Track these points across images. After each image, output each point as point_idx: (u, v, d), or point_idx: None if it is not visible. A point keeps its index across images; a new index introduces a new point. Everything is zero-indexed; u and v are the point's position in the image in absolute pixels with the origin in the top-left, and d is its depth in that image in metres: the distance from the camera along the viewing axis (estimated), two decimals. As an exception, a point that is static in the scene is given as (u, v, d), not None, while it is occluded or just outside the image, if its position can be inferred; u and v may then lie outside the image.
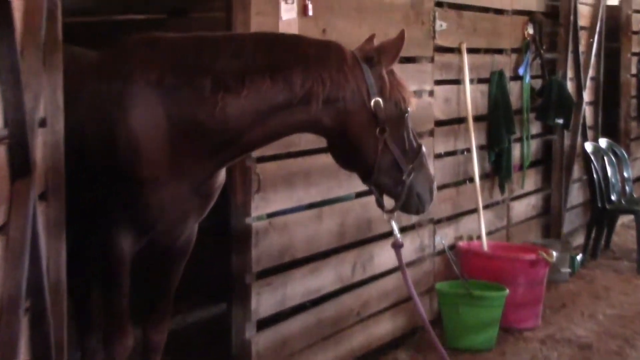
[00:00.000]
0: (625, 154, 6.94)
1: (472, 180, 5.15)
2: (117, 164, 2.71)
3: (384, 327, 4.37)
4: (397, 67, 2.87)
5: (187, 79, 2.66)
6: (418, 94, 4.60)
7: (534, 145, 6.03)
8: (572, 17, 6.08)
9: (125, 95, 2.70)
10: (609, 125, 7.21)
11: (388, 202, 2.92)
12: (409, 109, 2.82)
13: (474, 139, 5.08)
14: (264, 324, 3.59)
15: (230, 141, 2.74)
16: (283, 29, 3.41)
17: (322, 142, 2.96)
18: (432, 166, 4.69)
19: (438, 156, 4.85)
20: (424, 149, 2.88)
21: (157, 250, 3.01)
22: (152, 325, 3.07)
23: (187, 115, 2.67)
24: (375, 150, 2.77)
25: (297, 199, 3.73)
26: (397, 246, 2.99)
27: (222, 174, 2.97)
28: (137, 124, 2.68)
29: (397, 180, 2.83)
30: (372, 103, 2.73)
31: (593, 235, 6.45)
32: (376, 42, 2.91)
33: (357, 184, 3.09)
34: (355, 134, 2.77)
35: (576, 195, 6.60)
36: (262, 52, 2.71)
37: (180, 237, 2.99)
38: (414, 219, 4.41)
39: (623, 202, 6.49)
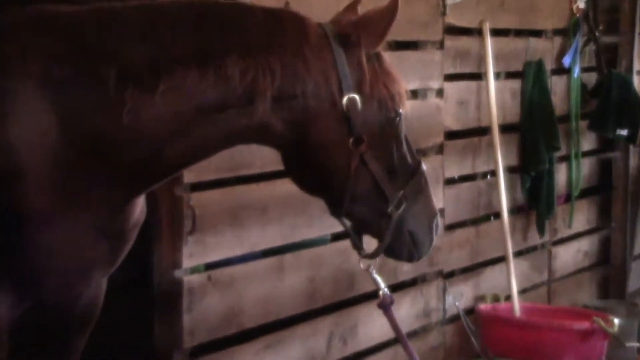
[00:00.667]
0: None
1: (498, 216, 5.27)
2: None
3: None
4: (392, 56, 2.94)
5: (83, 71, 2.65)
6: (422, 93, 4.77)
7: (586, 166, 6.19)
8: (640, -14, 6.23)
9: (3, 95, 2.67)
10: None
11: (371, 243, 2.94)
12: (400, 110, 2.82)
13: (501, 157, 5.20)
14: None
15: (145, 159, 2.67)
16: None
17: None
18: (439, 194, 4.85)
19: (450, 182, 4.97)
20: (423, 167, 2.88)
21: (48, 317, 2.96)
22: None
23: (85, 122, 2.66)
24: (347, 169, 2.76)
25: (249, 242, 3.82)
26: (385, 305, 3.01)
27: (139, 207, 2.94)
28: (15, 135, 2.62)
29: (379, 212, 2.83)
30: (344, 101, 2.73)
31: (672, 294, 6.57)
32: (362, 11, 2.88)
33: (334, 221, 3.08)
34: (318, 146, 2.77)
35: (647, 238, 6.74)
36: (187, 30, 2.69)
37: (80, 297, 2.95)
38: (414, 270, 4.52)
39: None
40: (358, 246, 2.94)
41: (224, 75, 2.66)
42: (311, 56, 2.74)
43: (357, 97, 2.74)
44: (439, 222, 2.95)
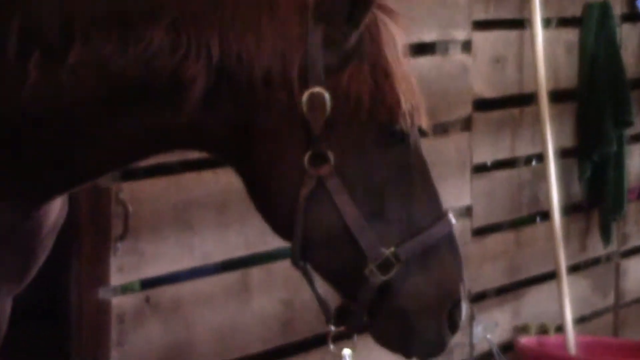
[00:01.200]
0: None
1: (546, 216, 5.31)
2: None
3: None
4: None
5: None
6: (442, 47, 4.80)
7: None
8: None
9: None
10: None
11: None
12: (403, 129, 2.68)
13: (552, 136, 5.22)
14: None
15: (50, 155, 2.75)
16: None
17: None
18: (465, 186, 4.90)
19: (480, 169, 5.03)
20: (448, 224, 2.72)
21: None
22: None
23: None
24: (294, 197, 2.70)
25: (201, 251, 3.85)
26: None
27: (58, 204, 3.03)
28: None
29: (353, 270, 2.71)
30: (304, 98, 2.71)
31: None
32: None
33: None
34: (263, 159, 2.74)
35: None
36: None
37: None
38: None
39: None
40: (326, 315, 2.80)
41: (148, 48, 2.66)
42: (270, 30, 2.70)
43: (325, 94, 2.68)
44: (463, 309, 2.72)
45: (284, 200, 2.72)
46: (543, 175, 5.26)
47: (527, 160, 5.34)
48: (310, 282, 2.78)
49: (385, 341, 2.76)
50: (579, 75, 5.58)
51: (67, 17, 2.66)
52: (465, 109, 4.90)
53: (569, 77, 5.55)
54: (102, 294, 3.59)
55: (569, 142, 5.57)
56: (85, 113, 2.71)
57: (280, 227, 2.76)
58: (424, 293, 2.70)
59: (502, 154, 5.21)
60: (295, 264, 2.76)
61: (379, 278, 2.64)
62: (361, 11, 2.69)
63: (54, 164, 2.78)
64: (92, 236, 3.58)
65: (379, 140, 2.67)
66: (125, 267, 3.62)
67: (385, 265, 2.65)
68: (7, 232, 2.84)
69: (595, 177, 5.61)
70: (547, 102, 5.21)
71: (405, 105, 2.67)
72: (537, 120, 5.23)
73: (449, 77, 4.76)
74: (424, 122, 2.72)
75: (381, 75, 2.69)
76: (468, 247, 4.89)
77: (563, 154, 5.45)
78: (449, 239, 2.73)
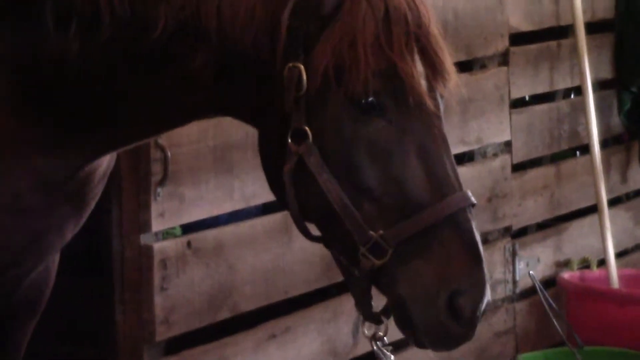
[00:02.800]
0: None
1: (586, 150, 5.30)
2: None
3: None
4: None
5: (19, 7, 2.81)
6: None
7: None
8: None
9: None
10: None
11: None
12: (377, 104, 2.60)
13: (590, 68, 5.20)
14: None
15: (97, 114, 2.87)
16: None
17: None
18: (504, 121, 4.88)
19: (518, 103, 5.02)
20: (453, 204, 2.59)
21: None
22: None
23: (22, 54, 2.82)
24: (279, 173, 2.69)
25: (242, 195, 3.86)
26: None
27: (107, 157, 3.09)
28: None
29: (349, 250, 2.65)
30: (285, 72, 2.66)
31: None
32: None
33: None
34: (259, 132, 2.78)
35: None
36: None
37: (27, 276, 3.10)
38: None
39: None
40: (359, 303, 2.71)
41: (158, 27, 2.72)
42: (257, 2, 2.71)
43: (301, 67, 2.63)
44: (481, 298, 2.56)
45: (272, 175, 2.73)
46: (582, 109, 5.25)
47: (566, 93, 5.34)
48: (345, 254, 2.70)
49: (397, 326, 2.67)
50: (616, 5, 5.57)
51: None
52: (503, 43, 4.88)
53: (605, 7, 5.53)
54: (144, 240, 3.61)
55: (607, 74, 5.56)
56: (120, 76, 2.78)
57: (278, 198, 2.76)
58: (419, 279, 2.60)
59: (541, 88, 5.21)
60: (302, 232, 2.76)
61: (371, 262, 2.58)
62: None
63: (101, 124, 2.85)
64: (132, 182, 3.59)
65: (355, 115, 2.62)
66: (166, 213, 3.64)
67: (377, 249, 2.57)
68: (62, 182, 2.91)
69: (634, 108, 5.61)
70: (585, 34, 5.17)
71: (375, 78, 2.60)
72: (575, 53, 5.22)
73: (485, 11, 4.74)
74: (421, 90, 2.62)
75: (345, 45, 2.62)
76: (508, 182, 4.91)
77: (601, 86, 5.48)
78: (455, 220, 2.60)
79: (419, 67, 2.62)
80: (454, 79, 2.64)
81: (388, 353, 2.70)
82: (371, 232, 2.56)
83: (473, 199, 2.61)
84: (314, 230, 2.70)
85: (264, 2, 2.71)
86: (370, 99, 2.57)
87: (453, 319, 2.55)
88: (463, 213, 2.59)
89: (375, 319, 2.66)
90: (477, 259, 2.56)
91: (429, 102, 2.60)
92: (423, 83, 2.62)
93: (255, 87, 2.72)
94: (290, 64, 2.61)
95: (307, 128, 2.60)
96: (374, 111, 2.59)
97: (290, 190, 2.65)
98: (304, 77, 2.60)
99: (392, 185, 2.61)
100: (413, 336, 2.62)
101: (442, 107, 2.67)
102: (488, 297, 2.54)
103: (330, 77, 2.59)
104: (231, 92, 2.76)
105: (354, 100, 2.58)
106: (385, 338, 2.66)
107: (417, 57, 2.63)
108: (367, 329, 2.68)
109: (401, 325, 2.62)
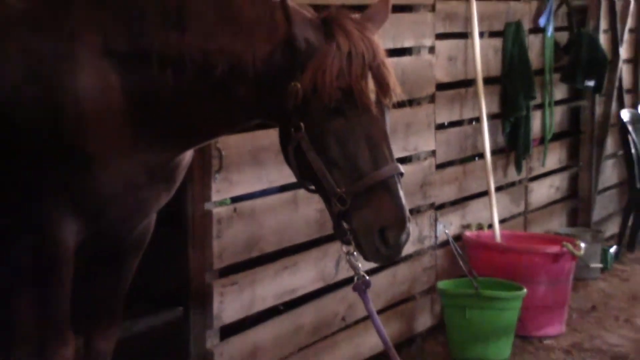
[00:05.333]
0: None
1: (481, 156, 5.27)
2: (58, 138, 2.73)
3: (375, 335, 4.47)
4: (390, 17, 2.82)
5: (135, 48, 2.75)
6: (416, 50, 4.71)
7: (558, 113, 6.16)
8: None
9: (70, 58, 2.72)
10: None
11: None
12: (345, 107, 2.58)
13: (485, 106, 5.19)
14: (229, 331, 3.68)
15: (181, 122, 2.82)
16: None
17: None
18: (431, 138, 4.80)
19: (440, 127, 4.95)
20: (383, 173, 2.57)
21: (107, 243, 3.03)
22: (98, 331, 3.09)
23: (139, 85, 2.76)
24: (285, 151, 2.70)
25: (267, 179, 3.81)
26: (359, 289, 2.76)
27: (188, 154, 3.03)
28: (84, 91, 2.73)
29: (328, 201, 2.65)
30: (289, 88, 2.63)
31: (630, 222, 6.57)
32: None
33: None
34: (279, 130, 2.74)
35: (610, 174, 6.75)
36: (207, 11, 2.75)
37: (136, 228, 3.03)
38: (410, 203, 4.51)
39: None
40: (337, 233, 2.69)
41: (217, 49, 2.69)
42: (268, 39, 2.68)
43: (298, 85, 2.60)
44: (402, 230, 2.56)
45: (285, 154, 2.71)
46: (480, 131, 5.23)
47: (470, 121, 5.29)
48: (326, 202, 2.69)
49: (359, 251, 2.67)
50: (502, 68, 5.50)
51: (186, 44, 2.71)
52: (431, 89, 4.83)
53: (495, 69, 5.48)
54: (206, 206, 3.57)
55: (495, 109, 5.50)
56: (196, 101, 2.76)
57: (290, 167, 2.74)
58: (363, 219, 2.59)
59: (454, 117, 5.15)
60: (303, 187, 2.79)
61: (338, 207, 2.59)
62: (326, 20, 2.64)
63: (182, 131, 2.82)
64: (200, 170, 3.54)
65: (330, 113, 2.60)
66: (220, 190, 3.60)
67: (342, 199, 2.58)
68: (160, 168, 2.88)
69: (512, 131, 5.56)
70: (482, 84, 5.16)
71: (353, 92, 2.58)
72: (476, 96, 5.19)
73: (421, 69, 4.70)
74: (375, 100, 2.60)
75: (320, 73, 2.59)
76: (433, 176, 4.85)
77: (492, 117, 5.41)
78: (387, 183, 2.59)
79: (372, 86, 2.60)
80: (397, 93, 2.63)
81: (356, 262, 2.71)
82: (337, 189, 2.58)
83: (401, 169, 2.60)
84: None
85: (282, 51, 2.69)
86: (334, 105, 2.57)
87: (383, 244, 2.57)
88: (392, 178, 2.58)
89: (343, 239, 2.65)
90: (400, 208, 2.56)
91: (373, 109, 2.59)
92: (372, 97, 2.60)
93: (273, 99, 2.67)
94: (292, 83, 2.60)
95: (301, 123, 2.60)
96: (337, 113, 2.59)
97: (293, 162, 2.67)
98: (300, 91, 2.59)
99: (348, 160, 2.61)
100: (362, 253, 2.64)
101: (387, 112, 2.66)
102: (408, 232, 2.56)
103: (329, 95, 2.57)
104: (261, 105, 2.73)
105: (325, 106, 2.58)
106: (355, 254, 2.66)
107: (371, 80, 2.61)
108: (345, 249, 2.68)
109: (355, 246, 2.64)
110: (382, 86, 2.63)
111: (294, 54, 2.65)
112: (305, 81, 2.60)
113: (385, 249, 2.59)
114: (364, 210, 2.59)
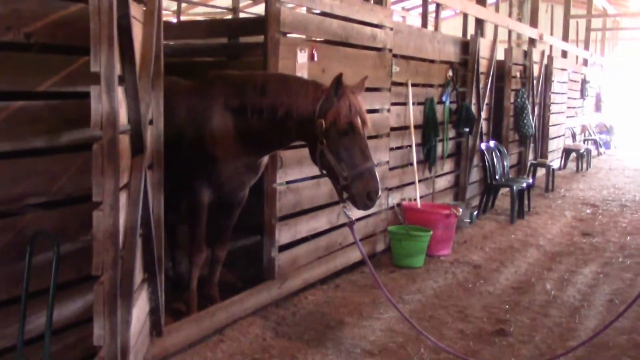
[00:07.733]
0: (505, 151, 6.94)
1: (412, 164, 5.14)
2: (202, 149, 2.81)
3: (356, 252, 4.41)
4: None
5: (242, 105, 2.72)
6: (381, 111, 4.59)
7: (450, 144, 5.99)
8: (475, 66, 6.06)
9: (210, 109, 2.79)
10: (496, 133, 7.24)
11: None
12: (347, 132, 2.53)
13: (414, 139, 5.06)
14: (283, 248, 3.62)
15: (266, 143, 2.80)
16: (298, 68, 3.40)
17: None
18: (387, 155, 4.66)
19: (392, 149, 4.82)
20: (367, 165, 2.54)
21: (224, 203, 3.07)
22: (218, 246, 3.15)
23: (243, 125, 2.75)
24: (314, 154, 2.64)
25: (304, 172, 3.71)
26: (350, 226, 2.76)
27: (266, 158, 3.06)
28: (216, 126, 2.77)
29: (339, 180, 2.60)
30: (317, 122, 2.59)
31: (484, 200, 6.47)
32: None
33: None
34: (309, 146, 2.69)
35: (475, 175, 6.58)
36: (276, 86, 2.70)
37: (239, 195, 3.06)
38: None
39: (503, 180, 6.51)
40: (340, 197, 2.67)
41: (281, 106, 2.64)
42: (309, 98, 2.61)
43: (322, 121, 2.55)
44: (377, 193, 2.54)
45: (313, 157, 2.66)
46: (411, 151, 5.08)
47: (406, 147, 5.10)
48: (334, 182, 2.64)
49: (354, 205, 2.62)
50: (423, 120, 5.34)
51: (269, 104, 2.70)
52: (388, 130, 4.68)
53: (420, 120, 5.31)
54: (274, 185, 3.46)
55: (419, 141, 5.31)
56: (269, 130, 2.73)
57: (315, 164, 2.69)
58: (357, 188, 2.55)
59: (399, 144, 4.99)
60: (321, 173, 2.70)
61: (343, 183, 2.55)
62: (338, 90, 2.58)
63: (263, 146, 2.81)
64: (271, 166, 3.43)
65: (341, 134, 2.54)
66: (281, 177, 3.49)
67: (345, 178, 2.53)
68: (251, 165, 2.88)
69: (427, 153, 5.41)
70: (413, 128, 5.03)
71: (351, 124, 2.53)
72: (410, 134, 5.04)
73: (383, 120, 4.58)
74: (362, 128, 2.55)
75: (347, 114, 2.54)
76: (388, 173, 4.71)
77: (417, 144, 5.27)
78: (370, 170, 2.54)
79: (360, 122, 2.58)
80: (370, 128, 2.63)
81: (348, 212, 2.68)
82: (344, 173, 2.55)
83: (375, 164, 2.60)
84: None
85: (312, 101, 2.63)
86: (343, 130, 2.53)
87: (368, 200, 2.54)
88: (372, 168, 2.56)
89: (343, 200, 2.63)
90: (376, 183, 2.54)
91: (361, 133, 2.58)
92: (360, 127, 2.58)
93: (307, 127, 2.61)
94: (319, 120, 2.56)
95: (324, 140, 2.55)
96: (344, 134, 2.54)
97: (318, 161, 2.62)
98: (324, 124, 2.53)
99: (349, 158, 2.55)
100: (356, 206, 2.60)
101: (366, 135, 2.64)
102: (379, 194, 2.55)
103: (339, 126, 2.53)
104: (301, 131, 2.68)
105: (338, 131, 2.53)
106: (347, 208, 2.65)
107: (359, 118, 2.58)
108: (342, 206, 2.66)
109: (352, 203, 2.60)
110: (365, 122, 2.62)
111: (320, 107, 2.59)
112: (328, 119, 2.56)
113: (370, 202, 2.59)
114: (358, 184, 2.56)
